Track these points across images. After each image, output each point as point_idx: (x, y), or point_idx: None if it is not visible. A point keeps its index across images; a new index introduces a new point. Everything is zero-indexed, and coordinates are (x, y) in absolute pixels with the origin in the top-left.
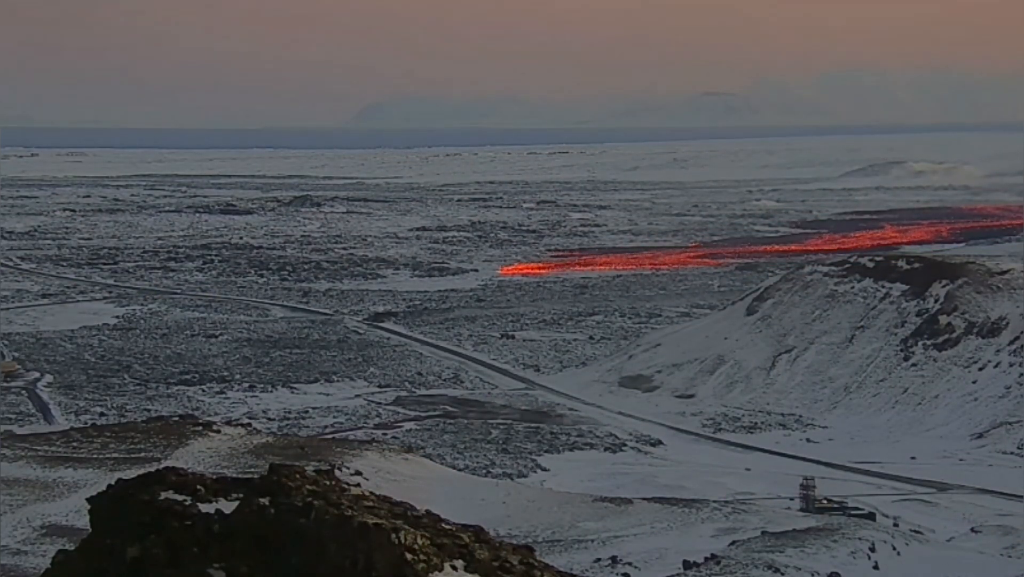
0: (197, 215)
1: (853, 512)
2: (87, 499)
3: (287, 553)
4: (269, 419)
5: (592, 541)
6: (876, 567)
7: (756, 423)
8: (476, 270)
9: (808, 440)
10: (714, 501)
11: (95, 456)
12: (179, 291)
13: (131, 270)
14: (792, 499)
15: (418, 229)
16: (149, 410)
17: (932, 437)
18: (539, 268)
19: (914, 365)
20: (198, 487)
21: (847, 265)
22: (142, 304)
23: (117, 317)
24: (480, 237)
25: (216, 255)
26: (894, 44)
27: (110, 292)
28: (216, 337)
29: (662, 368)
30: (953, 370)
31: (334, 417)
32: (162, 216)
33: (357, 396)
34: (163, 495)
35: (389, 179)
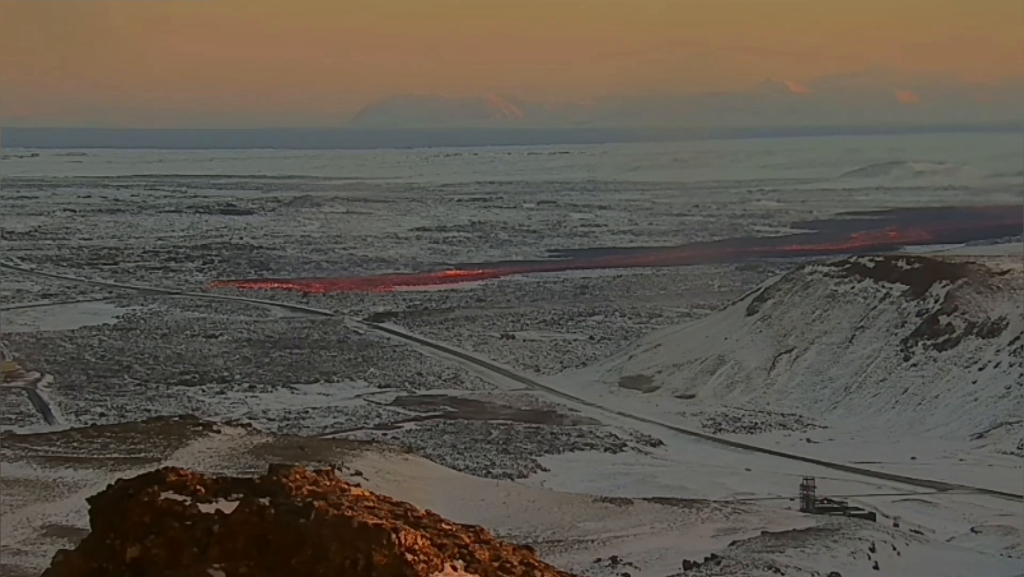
0: (197, 215)
1: (853, 512)
2: (87, 499)
3: (287, 553)
4: (269, 419)
5: (592, 541)
6: (876, 567)
7: (756, 423)
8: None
9: (808, 440)
10: (714, 501)
11: (95, 456)
12: (179, 291)
13: (131, 270)
14: (792, 499)
15: (418, 229)
16: (149, 410)
17: (932, 437)
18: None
19: (914, 365)
20: (198, 487)
21: (847, 265)
22: (142, 304)
23: (117, 317)
24: (480, 237)
25: (216, 255)
26: (894, 44)
27: (110, 292)
28: (216, 337)
29: (662, 368)
30: (953, 370)
31: (334, 417)
32: (162, 216)
33: (357, 396)
34: (163, 495)
35: (389, 179)
